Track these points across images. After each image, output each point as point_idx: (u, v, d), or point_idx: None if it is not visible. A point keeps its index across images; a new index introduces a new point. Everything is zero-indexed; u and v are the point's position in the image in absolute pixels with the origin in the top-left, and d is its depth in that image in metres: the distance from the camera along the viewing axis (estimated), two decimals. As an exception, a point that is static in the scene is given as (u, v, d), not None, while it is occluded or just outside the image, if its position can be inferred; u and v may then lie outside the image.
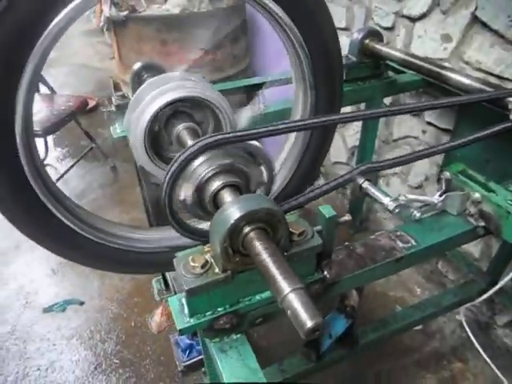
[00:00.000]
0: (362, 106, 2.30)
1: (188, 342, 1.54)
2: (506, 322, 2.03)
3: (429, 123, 2.15)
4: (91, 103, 3.80)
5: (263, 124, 1.42)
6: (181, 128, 1.00)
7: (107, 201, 3.02)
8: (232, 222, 0.67)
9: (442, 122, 2.06)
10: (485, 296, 1.81)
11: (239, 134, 0.77)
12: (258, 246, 0.67)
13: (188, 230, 0.84)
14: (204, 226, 0.89)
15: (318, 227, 0.82)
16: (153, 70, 1.27)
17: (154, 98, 0.95)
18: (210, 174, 0.79)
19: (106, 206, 2.96)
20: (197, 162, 0.78)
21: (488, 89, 1.21)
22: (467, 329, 2.08)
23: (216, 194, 0.79)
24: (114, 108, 1.30)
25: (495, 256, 1.82)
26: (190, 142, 0.97)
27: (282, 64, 2.72)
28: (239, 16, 2.33)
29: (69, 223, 1.04)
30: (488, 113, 1.47)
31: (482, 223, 1.01)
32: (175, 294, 1.66)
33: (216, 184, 0.79)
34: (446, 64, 1.84)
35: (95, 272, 2.41)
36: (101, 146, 3.33)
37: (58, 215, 1.00)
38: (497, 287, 1.77)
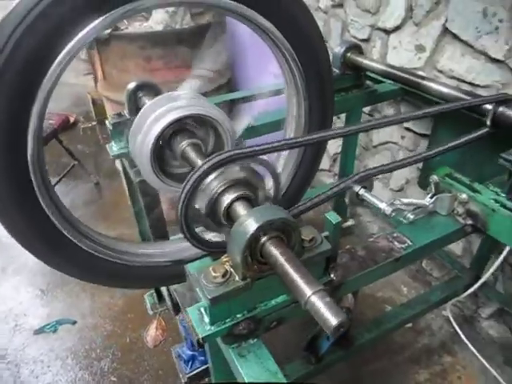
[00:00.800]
0: (343, 115, 2.40)
1: (190, 353, 1.56)
2: (489, 314, 2.14)
3: (407, 129, 2.26)
4: (70, 120, 3.76)
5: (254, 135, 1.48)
6: (185, 144, 1.04)
7: (92, 217, 2.99)
8: (251, 232, 0.71)
9: (420, 128, 2.17)
10: (470, 290, 1.91)
11: (249, 150, 0.82)
12: (277, 254, 0.71)
13: (202, 242, 0.88)
14: (210, 236, 0.94)
15: (326, 233, 0.87)
16: (148, 88, 1.31)
17: (159, 116, 0.99)
18: (222, 188, 0.83)
19: (92, 223, 2.92)
20: (210, 177, 0.82)
21: (465, 96, 1.30)
22: (454, 323, 2.18)
23: (229, 207, 0.83)
24: (110, 126, 1.33)
25: (477, 252, 1.92)
26: (195, 158, 1.01)
27: (264, 76, 2.80)
28: (221, 31, 2.39)
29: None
30: (463, 118, 1.58)
31: (470, 221, 1.08)
32: (177, 307, 1.69)
33: (230, 197, 0.83)
34: (421, 73, 1.95)
35: (85, 291, 2.40)
36: (82, 163, 3.31)
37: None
38: (480, 281, 1.88)
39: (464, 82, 1.85)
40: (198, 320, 0.81)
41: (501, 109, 1.19)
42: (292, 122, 1.25)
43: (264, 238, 0.73)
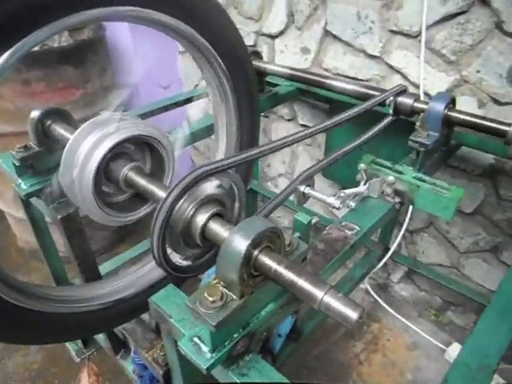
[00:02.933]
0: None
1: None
2: (399, 278, 2.43)
3: (303, 125, 2.43)
4: None
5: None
6: (127, 169, 0.96)
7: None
8: (245, 249, 0.69)
9: (315, 123, 2.34)
10: (384, 260, 2.15)
11: (218, 165, 0.80)
12: (274, 264, 0.71)
13: (178, 269, 0.83)
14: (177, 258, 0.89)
15: (297, 234, 0.90)
16: (56, 115, 1.17)
17: (96, 144, 0.89)
18: (194, 209, 0.79)
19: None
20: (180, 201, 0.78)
21: (368, 90, 1.46)
22: (372, 293, 2.42)
23: (205, 227, 0.80)
24: (17, 162, 1.15)
25: (383, 227, 2.16)
26: (142, 181, 0.94)
27: (155, 90, 2.70)
28: (102, 47, 2.24)
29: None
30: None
31: (398, 199, 1.22)
32: (117, 347, 1.54)
33: (204, 217, 0.80)
34: (325, 72, 2.11)
35: (-14, 358, 2.03)
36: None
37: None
38: (391, 251, 2.12)
39: (348, 77, 2.07)
40: (195, 351, 0.76)
41: (399, 99, 1.36)
42: (223, 129, 1.24)
43: (256, 252, 0.72)
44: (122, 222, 1.02)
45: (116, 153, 0.98)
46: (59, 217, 1.20)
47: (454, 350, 2.08)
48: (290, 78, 1.69)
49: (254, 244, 0.71)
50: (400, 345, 2.19)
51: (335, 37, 2.03)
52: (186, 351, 0.77)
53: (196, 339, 0.78)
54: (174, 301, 0.96)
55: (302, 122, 2.41)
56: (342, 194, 1.10)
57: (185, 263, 0.86)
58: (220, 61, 1.07)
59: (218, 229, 0.79)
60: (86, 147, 0.90)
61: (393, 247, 2.12)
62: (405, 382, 2.03)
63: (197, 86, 2.78)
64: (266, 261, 0.72)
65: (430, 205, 1.16)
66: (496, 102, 1.68)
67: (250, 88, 1.21)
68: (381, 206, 1.21)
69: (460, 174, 1.91)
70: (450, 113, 1.28)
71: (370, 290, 2.41)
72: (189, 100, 1.75)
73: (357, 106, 1.26)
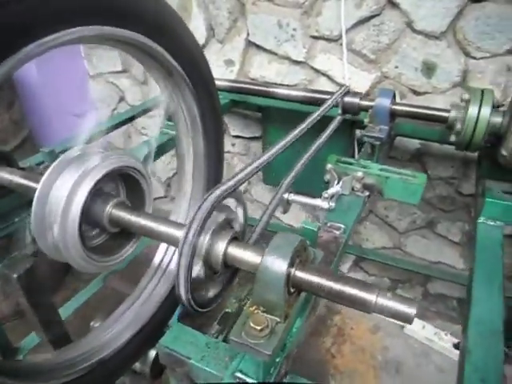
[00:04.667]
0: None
1: None
2: (348, 267, 2.54)
3: (236, 136, 2.43)
4: None
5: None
6: (110, 208, 0.86)
7: None
8: (285, 268, 0.67)
9: (248, 132, 2.37)
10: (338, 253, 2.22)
11: (230, 185, 0.75)
12: (316, 278, 0.69)
13: (202, 304, 0.76)
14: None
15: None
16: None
17: (77, 184, 0.78)
18: (210, 239, 0.74)
19: None
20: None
21: (311, 94, 1.51)
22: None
23: (225, 255, 0.75)
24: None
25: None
26: (129, 215, 0.85)
27: (68, 120, 2.48)
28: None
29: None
30: (289, 115, 1.83)
31: (367, 193, 1.28)
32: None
33: (223, 245, 0.74)
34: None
35: None
36: None
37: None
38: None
39: (275, 84, 2.12)
40: (247, 389, 0.71)
41: (346, 99, 1.43)
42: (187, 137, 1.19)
43: (292, 269, 0.70)
44: (108, 266, 0.91)
45: (96, 192, 0.88)
46: (15, 275, 1.03)
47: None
48: (230, 89, 1.68)
49: (292, 262, 0.69)
50: (364, 330, 2.30)
51: (259, 47, 2.07)
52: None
53: (239, 374, 0.73)
54: (187, 340, 0.89)
55: (234, 134, 2.41)
56: (326, 195, 1.11)
57: (206, 296, 0.79)
58: (189, 81, 1.02)
59: (242, 253, 0.74)
60: (63, 193, 0.78)
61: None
62: (377, 363, 2.13)
63: (114, 110, 2.61)
64: (305, 276, 0.70)
65: (399, 193, 1.24)
66: (415, 92, 1.86)
67: (216, 110, 1.18)
68: (355, 201, 1.26)
69: (392, 162, 2.07)
70: (394, 106, 1.38)
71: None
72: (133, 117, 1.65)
73: (314, 112, 1.29)
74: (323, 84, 2.02)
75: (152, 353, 1.16)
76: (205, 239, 0.73)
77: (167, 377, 1.20)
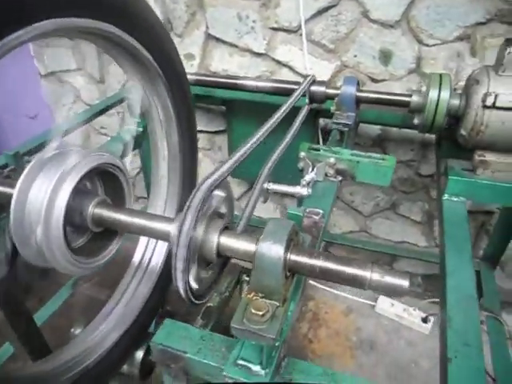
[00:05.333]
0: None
1: None
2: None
3: (199, 131, 2.40)
4: None
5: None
6: (92, 208, 0.83)
7: None
8: (282, 254, 0.68)
9: (213, 127, 2.35)
10: (308, 241, 2.27)
11: (220, 173, 0.76)
12: (310, 261, 0.71)
13: (199, 296, 0.76)
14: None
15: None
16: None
17: (58, 184, 0.75)
18: (203, 231, 0.74)
19: None
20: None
21: (278, 85, 1.52)
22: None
23: (218, 245, 0.75)
24: None
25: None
26: (116, 216, 0.83)
27: (25, 121, 2.35)
28: None
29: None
30: (253, 107, 1.84)
31: (340, 177, 1.32)
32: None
33: (214, 236, 0.74)
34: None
35: None
36: None
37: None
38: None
39: (239, 77, 2.12)
40: (247, 373, 0.72)
41: (313, 88, 1.46)
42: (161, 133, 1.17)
43: (288, 254, 0.71)
44: (93, 267, 0.88)
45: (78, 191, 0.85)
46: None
47: (381, 302, 2.35)
48: (194, 83, 1.66)
49: (287, 246, 0.70)
50: (337, 313, 2.37)
51: (219, 39, 2.05)
52: (236, 377, 0.72)
53: (241, 361, 0.74)
54: (181, 334, 0.89)
55: (198, 128, 2.38)
56: (304, 182, 1.14)
57: (201, 287, 0.79)
58: (164, 79, 1.00)
59: (235, 243, 0.75)
60: (44, 194, 0.75)
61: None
62: (352, 344, 2.21)
63: (70, 109, 2.50)
64: (301, 259, 0.71)
65: (371, 176, 1.29)
66: (373, 80, 1.93)
67: (189, 105, 1.16)
68: (329, 186, 1.29)
69: (356, 148, 2.13)
70: (359, 93, 1.42)
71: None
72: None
73: (280, 102, 1.30)
74: (285, 75, 2.04)
75: (139, 353, 1.14)
76: (199, 230, 0.73)
77: (157, 375, 1.19)
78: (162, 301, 1.26)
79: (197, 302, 0.75)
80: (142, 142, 1.69)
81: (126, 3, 0.86)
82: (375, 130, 2.05)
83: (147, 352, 1.13)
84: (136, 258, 1.20)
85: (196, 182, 1.34)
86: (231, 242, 0.75)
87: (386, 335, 2.26)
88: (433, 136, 1.85)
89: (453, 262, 1.08)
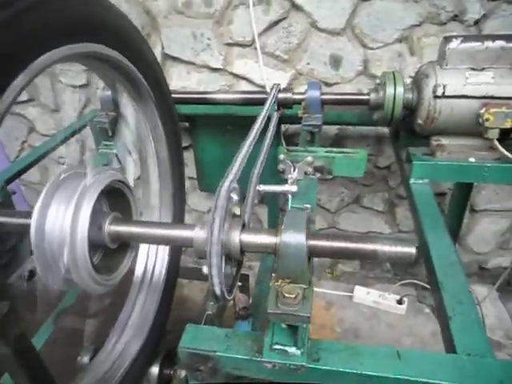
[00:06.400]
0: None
1: None
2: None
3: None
4: None
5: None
6: (108, 225, 0.85)
7: None
8: (306, 242, 0.75)
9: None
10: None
11: (234, 172, 0.82)
12: (328, 243, 0.78)
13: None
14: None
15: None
16: None
17: (78, 206, 0.77)
18: (226, 232, 0.79)
19: None
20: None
21: (247, 96, 1.61)
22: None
23: (241, 243, 0.80)
24: None
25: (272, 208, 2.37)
26: (133, 230, 0.86)
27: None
28: None
29: None
30: (215, 121, 1.92)
31: (318, 174, 1.42)
32: None
33: (237, 233, 0.79)
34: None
35: None
36: None
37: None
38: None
39: (198, 92, 2.18)
40: (285, 357, 0.78)
41: (280, 95, 1.56)
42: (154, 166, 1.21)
43: (308, 240, 0.78)
44: (112, 284, 0.89)
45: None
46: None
47: (357, 291, 2.48)
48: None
49: (307, 234, 0.77)
50: (319, 308, 2.46)
51: (175, 58, 2.11)
52: (276, 361, 0.77)
53: (277, 346, 0.79)
54: (205, 336, 0.92)
55: (161, 147, 2.40)
56: (292, 180, 1.22)
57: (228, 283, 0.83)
58: (152, 94, 1.04)
59: (256, 238, 0.80)
60: (63, 221, 0.77)
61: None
62: (337, 335, 2.31)
63: (24, 142, 2.42)
64: (319, 243, 0.78)
65: (346, 169, 1.40)
66: (327, 84, 2.08)
67: (175, 119, 1.21)
68: (310, 184, 1.38)
69: (317, 149, 2.27)
70: (323, 96, 1.54)
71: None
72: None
73: (260, 111, 1.38)
74: (243, 87, 2.13)
75: (154, 369, 1.15)
76: (223, 231, 0.78)
77: (177, 385, 1.19)
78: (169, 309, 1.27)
79: (228, 297, 0.79)
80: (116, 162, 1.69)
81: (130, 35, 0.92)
82: (333, 129, 2.19)
83: (162, 366, 1.14)
84: (138, 273, 1.21)
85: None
86: (252, 238, 0.81)
87: (367, 322, 2.38)
88: (386, 130, 2.03)
89: (432, 235, 1.20)
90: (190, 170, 2.45)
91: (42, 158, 1.80)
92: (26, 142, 2.42)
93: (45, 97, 2.25)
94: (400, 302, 2.40)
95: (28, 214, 0.81)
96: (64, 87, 2.22)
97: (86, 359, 1.17)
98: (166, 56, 2.10)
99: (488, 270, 2.50)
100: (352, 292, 2.51)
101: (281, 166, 1.41)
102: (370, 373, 0.77)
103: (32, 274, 1.52)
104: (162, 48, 2.08)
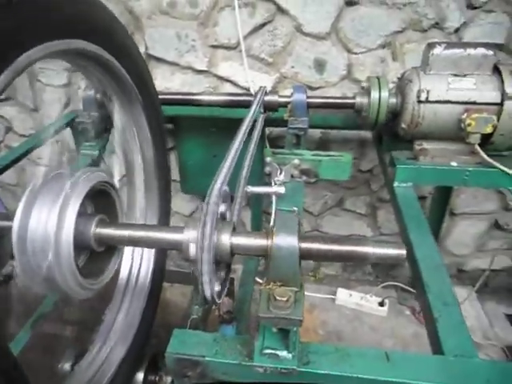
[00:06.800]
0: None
1: None
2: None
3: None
4: None
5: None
6: (95, 227, 0.83)
7: None
8: (297, 244, 0.75)
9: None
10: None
11: (224, 174, 0.81)
12: (319, 246, 0.78)
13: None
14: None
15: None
16: None
17: (63, 208, 0.75)
18: (216, 235, 0.77)
19: None
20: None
21: (234, 98, 1.60)
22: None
23: (231, 246, 0.79)
24: None
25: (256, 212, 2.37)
26: (120, 233, 0.84)
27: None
28: None
29: None
30: (198, 122, 1.92)
31: (304, 177, 1.42)
32: None
33: (226, 238, 0.78)
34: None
35: None
36: None
37: None
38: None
39: (182, 93, 2.16)
40: (276, 360, 0.77)
41: (266, 98, 1.56)
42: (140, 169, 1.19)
43: (299, 243, 0.78)
44: (98, 288, 0.87)
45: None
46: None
47: (340, 294, 2.49)
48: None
49: (298, 236, 0.77)
50: (302, 311, 2.46)
51: (159, 59, 2.08)
52: (267, 365, 0.76)
53: (267, 350, 0.78)
54: (193, 341, 0.90)
55: (143, 149, 2.37)
56: (279, 182, 1.22)
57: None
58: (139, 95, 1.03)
59: (247, 241, 0.79)
60: (47, 223, 0.74)
61: (269, 232, 2.36)
62: (321, 337, 2.32)
63: (1, 142, 2.34)
64: (310, 246, 0.78)
65: (332, 172, 1.41)
66: (311, 88, 2.09)
67: (161, 120, 1.19)
68: (296, 186, 1.38)
69: (300, 152, 2.28)
70: (309, 99, 1.55)
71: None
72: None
73: (245, 116, 1.37)
74: (228, 89, 2.12)
75: (139, 375, 1.12)
76: (214, 235, 0.77)
77: (161, 393, 1.17)
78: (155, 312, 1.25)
79: (218, 301, 0.78)
80: (98, 164, 1.65)
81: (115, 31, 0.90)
82: (316, 133, 2.20)
83: (147, 372, 1.11)
84: (123, 277, 1.18)
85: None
86: (243, 241, 0.80)
87: (350, 324, 2.40)
88: (369, 134, 2.05)
89: (416, 237, 1.22)
90: (173, 172, 2.42)
91: (19, 159, 1.75)
92: (2, 142, 2.34)
93: (23, 96, 2.19)
94: (382, 304, 2.43)
95: (6, 216, 0.78)
96: (43, 86, 2.16)
97: (67, 366, 1.13)
98: (150, 57, 2.07)
99: (467, 272, 2.56)
100: (334, 295, 2.52)
101: (267, 169, 1.40)
102: (361, 376, 0.77)
103: (8, 278, 1.47)
104: (146, 48, 2.05)
